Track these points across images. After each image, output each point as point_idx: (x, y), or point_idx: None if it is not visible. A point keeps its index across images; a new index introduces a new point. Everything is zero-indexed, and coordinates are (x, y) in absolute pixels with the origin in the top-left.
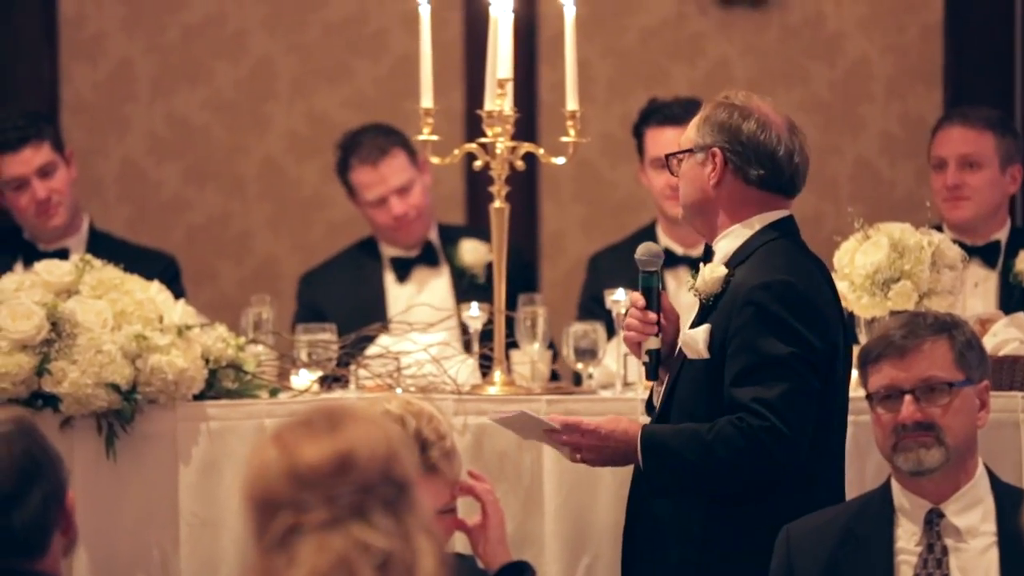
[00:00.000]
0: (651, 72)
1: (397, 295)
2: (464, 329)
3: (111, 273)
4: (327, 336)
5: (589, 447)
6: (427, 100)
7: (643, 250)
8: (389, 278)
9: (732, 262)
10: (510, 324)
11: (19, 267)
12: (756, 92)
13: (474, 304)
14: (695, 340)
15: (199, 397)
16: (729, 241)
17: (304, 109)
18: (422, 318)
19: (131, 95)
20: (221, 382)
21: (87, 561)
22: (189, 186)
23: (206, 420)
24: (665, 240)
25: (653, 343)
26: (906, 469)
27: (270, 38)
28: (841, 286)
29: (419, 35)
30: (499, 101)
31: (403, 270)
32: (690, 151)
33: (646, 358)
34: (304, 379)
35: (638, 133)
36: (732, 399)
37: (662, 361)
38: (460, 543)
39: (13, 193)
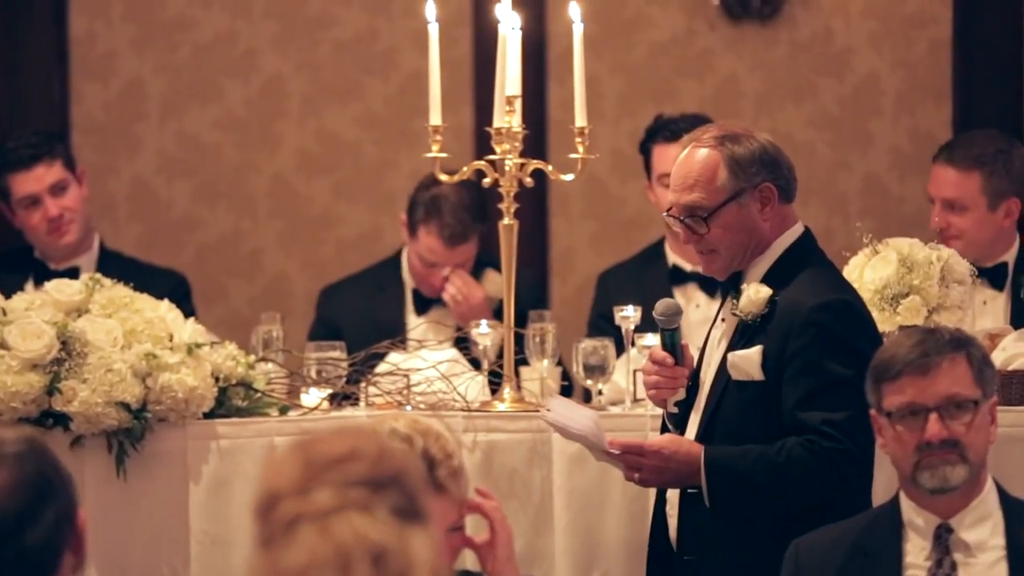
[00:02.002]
0: (660, 88)
1: (416, 323)
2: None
3: (121, 292)
4: (337, 354)
5: (651, 468)
6: (436, 117)
7: (661, 308)
8: (410, 305)
9: (770, 283)
10: (520, 341)
11: (30, 286)
12: (765, 108)
13: (483, 321)
14: (749, 362)
15: (209, 415)
16: (760, 263)
17: (314, 127)
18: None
19: (141, 114)
20: (231, 400)
21: None
22: (199, 205)
23: (216, 438)
24: (673, 257)
25: (680, 394)
26: (930, 487)
27: (280, 57)
28: None
29: (428, 53)
30: (508, 118)
31: (423, 304)
32: (729, 200)
33: (675, 409)
34: (314, 397)
35: (645, 150)
36: (798, 421)
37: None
38: (469, 561)
39: (25, 211)
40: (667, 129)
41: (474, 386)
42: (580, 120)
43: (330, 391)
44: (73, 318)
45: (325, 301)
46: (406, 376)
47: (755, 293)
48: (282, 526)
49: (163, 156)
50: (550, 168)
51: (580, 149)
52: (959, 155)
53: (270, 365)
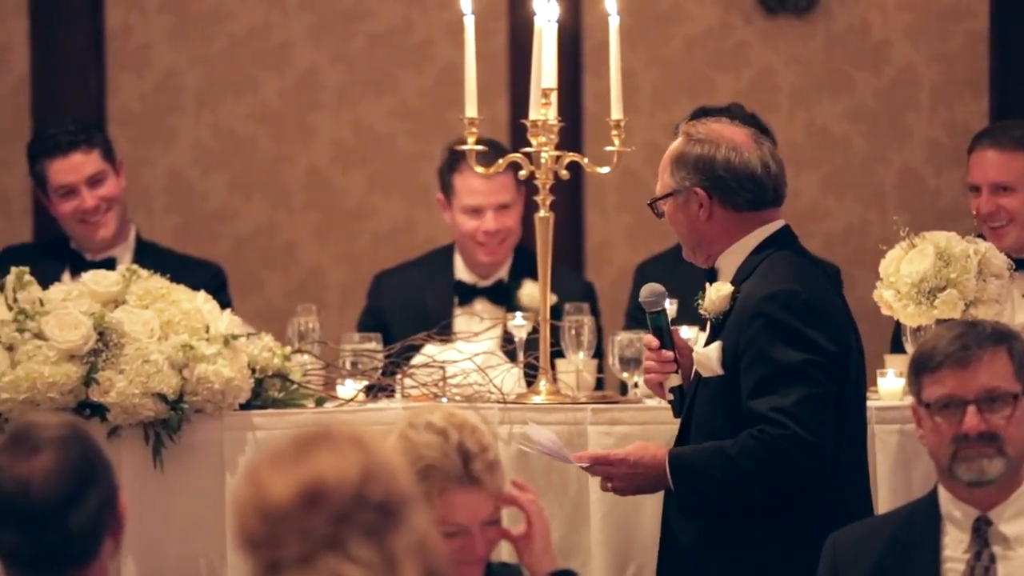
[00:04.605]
0: (695, 81)
1: (456, 315)
2: (510, 339)
3: (158, 283)
4: (373, 345)
5: (620, 476)
6: (471, 110)
7: (645, 292)
8: (457, 298)
9: (737, 279)
10: (556, 333)
11: (66, 276)
12: (801, 101)
13: (518, 313)
14: (708, 358)
15: (245, 406)
16: (731, 259)
17: (349, 119)
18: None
19: (177, 106)
20: (267, 391)
21: (135, 570)
22: (235, 196)
23: (252, 429)
24: None
25: (675, 380)
26: (967, 479)
27: (315, 49)
28: (887, 295)
29: (464, 45)
30: (544, 111)
31: (466, 297)
32: (670, 195)
33: (671, 396)
34: (350, 389)
35: None
36: (751, 412)
37: (686, 395)
38: (506, 552)
39: (61, 199)
40: None
41: (510, 378)
42: (616, 113)
43: (366, 383)
44: (110, 309)
45: (375, 289)
46: (442, 368)
47: (716, 292)
48: (266, 568)
49: (198, 148)
50: (586, 161)
51: (616, 142)
52: (1002, 138)
53: (306, 357)
